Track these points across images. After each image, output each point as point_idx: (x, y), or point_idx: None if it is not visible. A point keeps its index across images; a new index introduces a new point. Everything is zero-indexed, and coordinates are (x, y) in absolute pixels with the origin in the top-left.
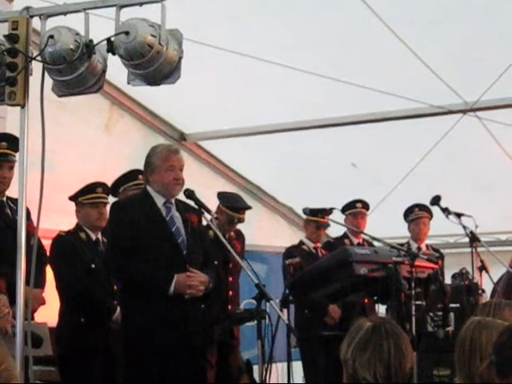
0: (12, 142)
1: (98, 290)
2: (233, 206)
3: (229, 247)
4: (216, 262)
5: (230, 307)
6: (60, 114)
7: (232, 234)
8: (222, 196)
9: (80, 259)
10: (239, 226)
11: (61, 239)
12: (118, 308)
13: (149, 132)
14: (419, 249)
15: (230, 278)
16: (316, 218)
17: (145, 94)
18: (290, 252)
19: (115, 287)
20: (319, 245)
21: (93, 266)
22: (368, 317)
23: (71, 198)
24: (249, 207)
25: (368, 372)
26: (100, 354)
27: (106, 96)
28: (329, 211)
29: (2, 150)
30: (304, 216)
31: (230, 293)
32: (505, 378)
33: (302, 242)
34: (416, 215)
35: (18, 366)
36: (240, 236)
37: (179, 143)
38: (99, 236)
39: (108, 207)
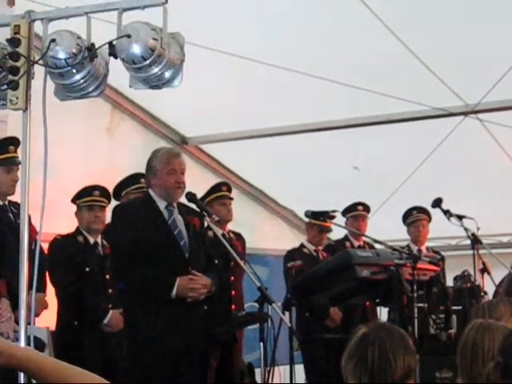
0: (18, 145)
1: (89, 293)
2: None
3: (228, 247)
4: (216, 261)
5: (233, 307)
6: (61, 117)
7: (231, 234)
8: None
9: (73, 262)
10: (241, 229)
11: (56, 243)
12: (111, 311)
13: (150, 135)
14: (420, 251)
15: (232, 278)
16: (318, 221)
17: (146, 97)
18: (291, 255)
19: (110, 290)
20: (320, 248)
21: (87, 269)
22: (369, 320)
23: (72, 201)
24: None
25: (354, 380)
26: (96, 356)
27: (107, 99)
28: (331, 214)
29: (11, 154)
30: (306, 219)
31: (233, 292)
32: (510, 380)
33: (302, 245)
34: (414, 218)
35: None
36: (240, 238)
37: (180, 146)
38: (98, 239)
39: (106, 211)
